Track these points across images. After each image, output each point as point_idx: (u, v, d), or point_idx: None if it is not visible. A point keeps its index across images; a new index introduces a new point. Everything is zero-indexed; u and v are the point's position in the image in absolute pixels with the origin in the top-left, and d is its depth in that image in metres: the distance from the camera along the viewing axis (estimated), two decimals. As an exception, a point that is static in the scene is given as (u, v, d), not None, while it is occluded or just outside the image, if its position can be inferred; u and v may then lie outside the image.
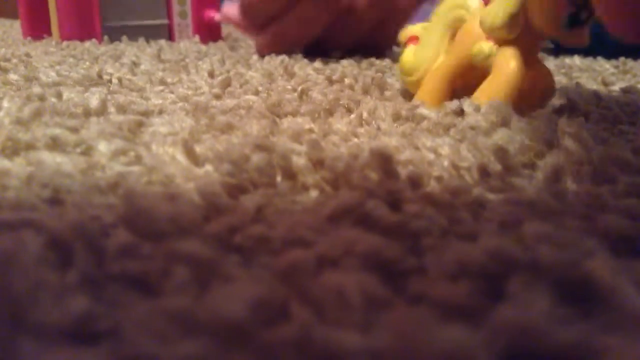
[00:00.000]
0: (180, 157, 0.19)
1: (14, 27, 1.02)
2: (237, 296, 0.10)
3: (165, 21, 0.78)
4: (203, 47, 0.60)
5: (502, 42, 0.24)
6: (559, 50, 0.65)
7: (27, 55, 0.49)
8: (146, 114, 0.26)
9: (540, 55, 0.57)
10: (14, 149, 0.19)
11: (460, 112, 0.24)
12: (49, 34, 0.73)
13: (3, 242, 0.11)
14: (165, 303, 0.10)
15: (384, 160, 0.18)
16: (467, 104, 0.23)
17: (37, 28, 0.75)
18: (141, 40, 0.66)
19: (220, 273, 0.11)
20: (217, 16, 0.74)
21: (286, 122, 0.23)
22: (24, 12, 0.76)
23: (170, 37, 0.79)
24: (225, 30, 0.82)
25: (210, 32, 0.76)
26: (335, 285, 0.10)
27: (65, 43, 0.63)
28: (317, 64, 0.43)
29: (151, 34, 0.74)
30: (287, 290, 0.10)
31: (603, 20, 0.19)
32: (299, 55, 0.48)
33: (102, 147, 0.19)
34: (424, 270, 0.12)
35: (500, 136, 0.19)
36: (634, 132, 0.22)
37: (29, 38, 0.73)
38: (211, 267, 0.11)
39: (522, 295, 0.10)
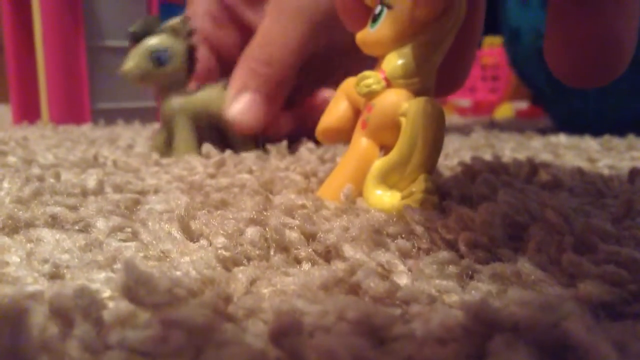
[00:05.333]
0: (176, 233, 0.19)
1: (7, 111, 1.04)
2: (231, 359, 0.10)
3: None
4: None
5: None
6: (546, 129, 0.67)
7: (25, 138, 0.50)
8: (142, 192, 0.26)
9: (528, 133, 0.59)
10: (14, 226, 0.20)
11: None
12: (39, 118, 0.75)
13: (7, 312, 0.11)
14: (162, 367, 0.10)
15: (374, 233, 0.18)
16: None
17: (28, 113, 0.77)
18: (137, 124, 0.68)
19: (215, 339, 0.11)
20: None
21: (279, 199, 0.24)
22: (14, 98, 0.78)
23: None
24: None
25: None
26: (326, 349, 0.11)
27: (61, 127, 0.64)
28: (310, 144, 0.44)
29: (140, 116, 0.76)
30: (280, 354, 0.11)
31: (549, 64, 0.20)
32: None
33: (100, 224, 0.20)
34: (412, 335, 0.12)
35: (485, 209, 0.20)
36: (616, 205, 0.22)
37: (24, 122, 0.74)
38: (206, 333, 0.12)
39: (504, 356, 0.10)
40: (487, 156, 0.39)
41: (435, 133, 0.22)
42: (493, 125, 0.80)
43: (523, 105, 1.18)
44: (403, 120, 0.22)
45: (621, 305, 0.14)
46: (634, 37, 0.19)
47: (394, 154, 0.22)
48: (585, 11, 0.19)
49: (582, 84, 0.20)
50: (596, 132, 0.59)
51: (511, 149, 0.47)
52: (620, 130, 0.57)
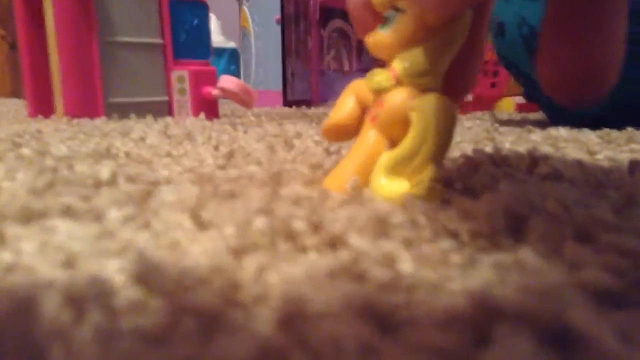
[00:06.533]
0: (187, 223, 0.20)
1: (23, 106, 1.05)
2: (240, 345, 0.11)
3: (165, 98, 0.81)
4: (207, 123, 0.62)
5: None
6: (546, 122, 0.67)
7: (39, 131, 0.51)
8: (154, 183, 0.27)
9: (528, 126, 0.59)
10: (28, 217, 0.20)
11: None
12: (53, 112, 0.76)
13: (21, 300, 0.12)
14: (173, 351, 0.11)
15: (379, 223, 0.19)
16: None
17: (43, 107, 0.78)
18: (149, 117, 0.68)
19: (224, 325, 0.12)
20: (214, 91, 0.77)
21: (286, 190, 0.24)
22: (29, 93, 0.79)
23: (170, 113, 0.81)
24: (225, 108, 0.84)
25: (207, 108, 0.79)
26: (332, 335, 0.11)
27: (75, 120, 0.65)
28: (317, 137, 0.44)
29: (152, 110, 0.77)
30: (287, 340, 0.11)
31: (540, 82, 0.21)
32: (301, 128, 0.50)
33: (113, 214, 0.20)
34: (416, 321, 0.12)
35: (487, 199, 0.20)
36: (617, 196, 0.23)
37: (39, 116, 0.75)
38: (215, 320, 0.12)
39: (506, 342, 0.11)
40: (488, 149, 0.39)
41: (446, 128, 0.22)
42: (494, 119, 0.80)
43: (523, 99, 1.18)
44: (413, 114, 0.23)
45: (624, 293, 0.14)
46: (616, 62, 0.20)
47: (403, 147, 0.23)
48: (568, 37, 0.20)
49: (568, 104, 0.21)
50: (593, 126, 0.59)
51: (511, 142, 0.48)
52: (618, 125, 0.58)
